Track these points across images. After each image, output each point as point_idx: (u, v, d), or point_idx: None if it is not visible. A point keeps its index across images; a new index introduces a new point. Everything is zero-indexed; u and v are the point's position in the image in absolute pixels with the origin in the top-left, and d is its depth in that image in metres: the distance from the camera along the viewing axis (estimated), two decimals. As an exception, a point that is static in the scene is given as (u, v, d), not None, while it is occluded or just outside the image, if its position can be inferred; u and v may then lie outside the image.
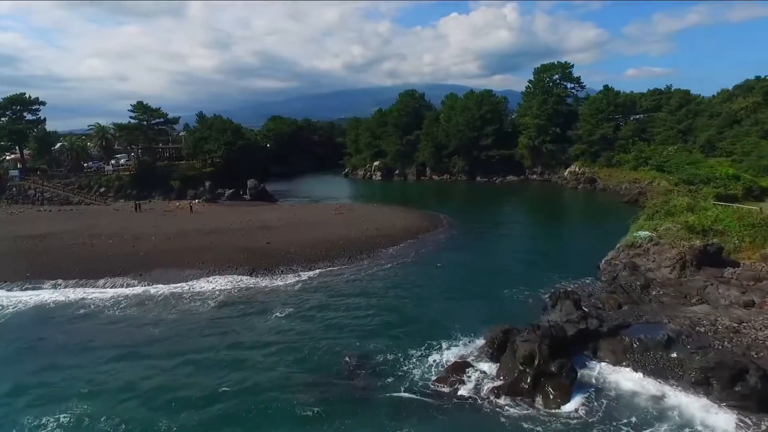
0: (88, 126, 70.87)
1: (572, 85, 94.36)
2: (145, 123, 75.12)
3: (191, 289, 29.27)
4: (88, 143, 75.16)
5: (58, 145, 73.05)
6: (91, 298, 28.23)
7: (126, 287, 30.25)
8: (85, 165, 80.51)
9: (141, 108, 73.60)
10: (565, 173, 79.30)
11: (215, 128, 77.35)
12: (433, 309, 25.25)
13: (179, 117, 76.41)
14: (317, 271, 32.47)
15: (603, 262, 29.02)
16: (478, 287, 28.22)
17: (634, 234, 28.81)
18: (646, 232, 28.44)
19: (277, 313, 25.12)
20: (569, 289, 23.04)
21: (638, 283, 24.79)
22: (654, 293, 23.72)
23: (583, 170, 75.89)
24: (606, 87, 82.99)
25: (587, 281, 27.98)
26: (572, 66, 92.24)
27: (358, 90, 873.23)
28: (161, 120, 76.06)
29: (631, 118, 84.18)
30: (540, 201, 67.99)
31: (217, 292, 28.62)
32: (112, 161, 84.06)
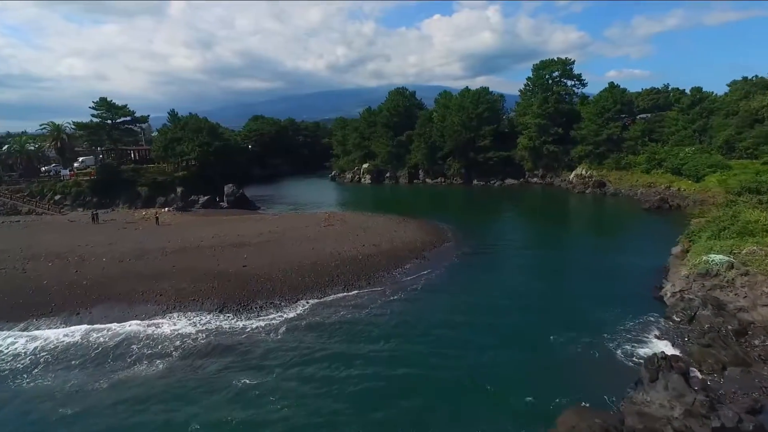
0: (41, 125, 62.94)
1: (572, 83, 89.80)
2: (109, 121, 67.37)
3: (142, 335, 22.41)
4: (46, 144, 66.88)
5: (5, 147, 64.78)
6: (4, 354, 21.17)
7: (56, 330, 23.27)
8: (44, 169, 72.47)
9: (104, 105, 65.86)
10: (571, 176, 73.83)
11: (189, 128, 69.92)
12: (465, 368, 18.87)
13: (148, 115, 68.96)
14: (306, 304, 25.85)
15: (669, 294, 23.03)
16: (517, 331, 21.95)
17: (706, 258, 22.89)
18: (721, 256, 22.55)
19: (249, 377, 18.49)
20: (669, 353, 16.81)
21: (729, 327, 18.84)
22: (758, 344, 17.75)
23: (590, 173, 70.51)
24: (611, 84, 77.90)
25: (652, 319, 21.94)
26: (573, 62, 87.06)
27: (342, 91, 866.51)
28: (128, 118, 68.32)
29: (638, 118, 79.30)
30: (548, 207, 62.20)
31: (174, 340, 21.80)
32: (76, 164, 76.23)
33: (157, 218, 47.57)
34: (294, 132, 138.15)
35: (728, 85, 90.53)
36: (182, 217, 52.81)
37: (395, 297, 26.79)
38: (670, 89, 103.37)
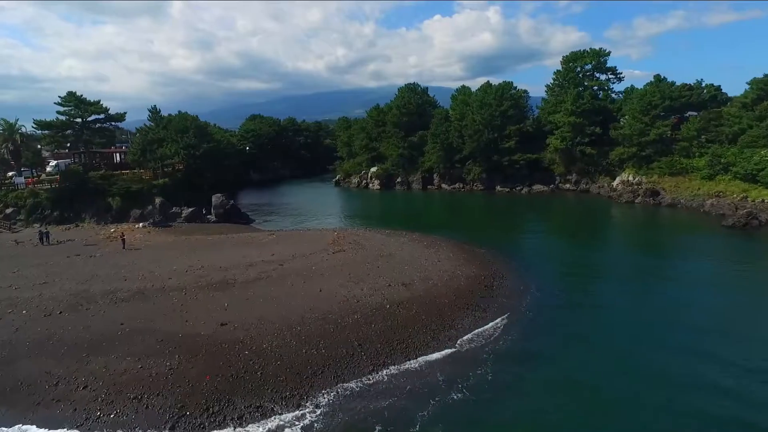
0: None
1: (606, 77, 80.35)
2: (79, 120, 57.70)
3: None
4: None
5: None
6: None
7: None
8: (9, 174, 62.76)
9: (72, 100, 56.08)
10: (614, 183, 64.09)
11: (172, 127, 60.23)
12: None
13: (125, 113, 59.26)
14: (315, 410, 16.06)
15: None
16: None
17: None
18: None
19: None
20: None
21: None
22: None
23: (638, 179, 60.75)
24: (657, 77, 68.32)
25: None
26: (608, 54, 77.82)
27: (342, 91, 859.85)
28: (100, 116, 58.55)
29: (687, 114, 69.67)
30: (601, 222, 52.21)
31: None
32: (48, 168, 66.67)
33: (123, 240, 37.73)
34: (294, 133, 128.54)
35: (748, 83, 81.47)
36: (158, 236, 43.05)
37: (456, 389, 17.00)
38: (704, 85, 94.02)
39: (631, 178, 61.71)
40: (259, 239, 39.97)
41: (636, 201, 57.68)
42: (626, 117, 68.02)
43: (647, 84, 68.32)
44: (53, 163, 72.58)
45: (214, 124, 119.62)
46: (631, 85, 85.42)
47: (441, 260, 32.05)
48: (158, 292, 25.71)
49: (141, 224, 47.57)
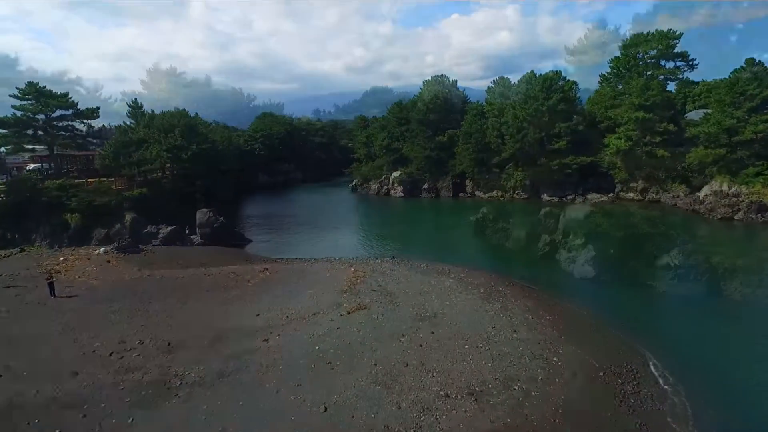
0: None
1: (674, 64, 67.64)
2: (43, 116, 47.53)
3: None
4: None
5: None
6: None
7: None
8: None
9: (33, 92, 45.83)
10: (702, 194, 51.20)
11: (156, 126, 49.61)
12: None
13: (98, 108, 49.07)
14: None
15: None
16: None
17: None
18: None
19: None
20: None
21: None
22: None
23: (736, 190, 47.91)
24: (751, 60, 55.07)
25: None
26: (680, 36, 65.01)
27: (359, 91, 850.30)
28: (68, 112, 48.22)
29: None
30: (712, 248, 38.55)
31: None
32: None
33: (50, 282, 26.73)
34: (308, 133, 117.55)
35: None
36: (116, 270, 32.14)
37: None
38: None
39: (725, 187, 48.82)
40: (245, 278, 28.67)
41: (735, 217, 44.99)
42: (710, 110, 55.18)
43: (737, 69, 55.12)
44: (30, 167, 63.18)
45: (224, 124, 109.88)
46: (686, 76, 72.56)
47: (517, 329, 20.30)
48: (36, 413, 14.47)
49: (102, 249, 36.84)
